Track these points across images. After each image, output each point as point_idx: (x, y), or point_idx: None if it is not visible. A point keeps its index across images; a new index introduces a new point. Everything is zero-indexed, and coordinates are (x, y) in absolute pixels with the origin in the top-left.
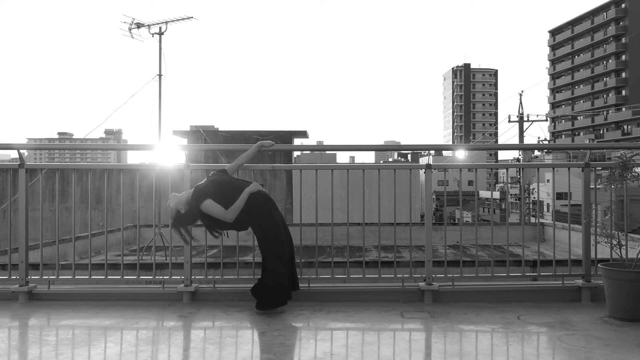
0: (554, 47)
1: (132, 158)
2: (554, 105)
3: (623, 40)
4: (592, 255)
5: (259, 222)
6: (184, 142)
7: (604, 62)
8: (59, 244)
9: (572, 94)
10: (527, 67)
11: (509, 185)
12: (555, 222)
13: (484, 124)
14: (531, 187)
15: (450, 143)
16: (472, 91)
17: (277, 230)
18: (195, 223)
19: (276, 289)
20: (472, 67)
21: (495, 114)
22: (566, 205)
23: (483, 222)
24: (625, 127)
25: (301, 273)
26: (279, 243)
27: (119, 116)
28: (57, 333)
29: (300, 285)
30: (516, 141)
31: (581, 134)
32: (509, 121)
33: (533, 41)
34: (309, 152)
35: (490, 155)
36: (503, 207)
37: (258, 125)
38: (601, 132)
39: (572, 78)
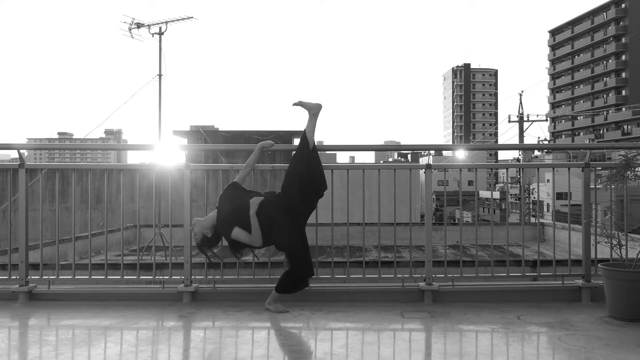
0: (554, 47)
1: (132, 158)
2: (554, 105)
3: (623, 40)
4: (592, 255)
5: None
6: (184, 142)
7: (604, 62)
8: (59, 244)
9: (572, 94)
10: (527, 67)
11: (509, 185)
12: (555, 222)
13: (484, 124)
14: (531, 187)
15: (450, 143)
16: (472, 91)
17: (289, 230)
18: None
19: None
20: (472, 67)
21: (495, 114)
22: (566, 205)
23: (483, 222)
24: (625, 127)
25: None
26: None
27: (119, 116)
28: (57, 333)
29: None
30: (516, 141)
31: (581, 134)
32: (509, 121)
33: (533, 41)
34: None
35: (490, 155)
36: (503, 207)
37: (258, 125)
38: (601, 132)
39: (572, 78)
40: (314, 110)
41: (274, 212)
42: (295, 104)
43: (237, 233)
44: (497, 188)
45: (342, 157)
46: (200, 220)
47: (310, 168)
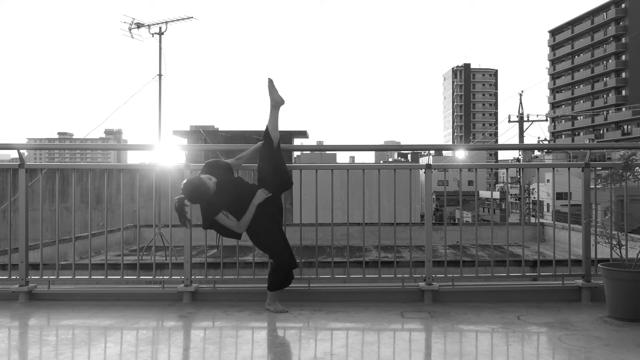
0: (554, 47)
1: (132, 158)
2: (554, 105)
3: (623, 40)
4: (592, 255)
5: (264, 227)
6: (184, 142)
7: (604, 62)
8: (59, 244)
9: (572, 94)
10: (527, 67)
11: (509, 185)
12: (555, 222)
13: (484, 124)
14: (531, 187)
15: (450, 143)
16: (472, 91)
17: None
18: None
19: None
20: (472, 67)
21: (495, 114)
22: (566, 205)
23: (483, 222)
24: (625, 127)
25: (301, 273)
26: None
27: (119, 116)
28: (57, 333)
29: (300, 285)
30: (516, 141)
31: (581, 134)
32: (509, 121)
33: (533, 41)
34: (309, 152)
35: (490, 155)
36: (503, 207)
37: (258, 125)
38: (601, 132)
39: (572, 78)
40: (274, 103)
41: (263, 210)
42: (269, 80)
43: (223, 218)
44: (497, 188)
45: (342, 157)
46: (209, 176)
47: (277, 165)
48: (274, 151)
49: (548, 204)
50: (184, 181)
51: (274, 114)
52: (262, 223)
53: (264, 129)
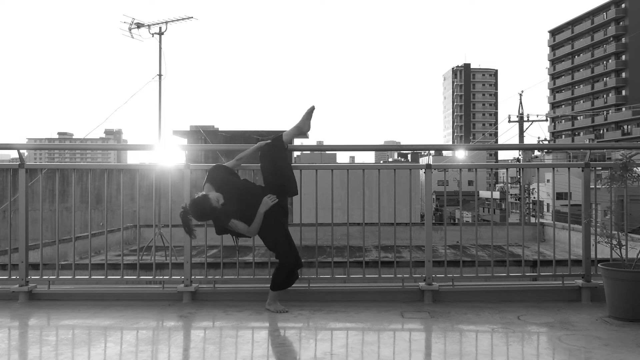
0: (554, 47)
1: (132, 158)
2: (554, 105)
3: (623, 40)
4: (592, 255)
5: (273, 229)
6: (184, 142)
7: (604, 62)
8: (59, 244)
9: (572, 94)
10: (527, 67)
11: (509, 185)
12: (555, 222)
13: (484, 124)
14: (531, 187)
15: (450, 143)
16: (472, 91)
17: (280, 228)
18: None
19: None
20: (472, 67)
21: (495, 114)
22: (566, 205)
23: (483, 222)
24: (625, 127)
25: (301, 273)
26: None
27: (119, 116)
28: (57, 333)
29: (300, 285)
30: (516, 141)
31: (581, 134)
32: (509, 121)
33: (533, 41)
34: (309, 152)
35: (490, 155)
36: (503, 207)
37: (258, 125)
38: (601, 132)
39: (572, 78)
40: (300, 126)
41: (269, 214)
42: (312, 107)
43: (236, 223)
44: (497, 188)
45: (342, 157)
46: (217, 197)
47: (277, 164)
48: (275, 150)
49: (548, 204)
50: (193, 199)
51: (294, 133)
52: (268, 227)
53: (263, 129)
